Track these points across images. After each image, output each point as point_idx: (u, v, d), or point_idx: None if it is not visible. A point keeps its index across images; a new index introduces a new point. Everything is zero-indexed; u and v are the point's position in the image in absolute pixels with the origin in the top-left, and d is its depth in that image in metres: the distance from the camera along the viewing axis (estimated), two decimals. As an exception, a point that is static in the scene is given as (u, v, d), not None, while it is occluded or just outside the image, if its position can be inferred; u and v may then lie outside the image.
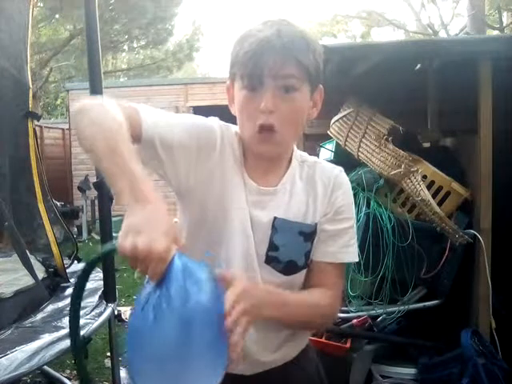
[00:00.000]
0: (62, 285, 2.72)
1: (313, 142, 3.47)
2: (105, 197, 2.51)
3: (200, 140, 1.04)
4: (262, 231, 1.05)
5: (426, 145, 2.81)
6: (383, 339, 2.31)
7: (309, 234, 1.08)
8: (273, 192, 1.07)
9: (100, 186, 2.49)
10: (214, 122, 1.11)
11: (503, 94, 2.27)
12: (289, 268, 1.07)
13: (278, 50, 0.94)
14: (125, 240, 0.75)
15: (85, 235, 8.01)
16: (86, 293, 2.62)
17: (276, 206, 1.06)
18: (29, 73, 2.77)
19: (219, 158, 1.05)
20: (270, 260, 1.06)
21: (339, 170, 1.14)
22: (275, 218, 1.05)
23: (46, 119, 14.28)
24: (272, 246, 1.05)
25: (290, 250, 1.06)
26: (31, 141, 2.74)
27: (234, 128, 1.11)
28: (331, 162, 2.97)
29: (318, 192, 1.09)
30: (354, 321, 2.26)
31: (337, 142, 2.69)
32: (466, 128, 2.46)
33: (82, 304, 2.54)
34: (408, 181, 2.18)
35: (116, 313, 2.62)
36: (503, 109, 2.27)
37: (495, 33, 10.27)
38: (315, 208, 1.08)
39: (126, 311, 4.16)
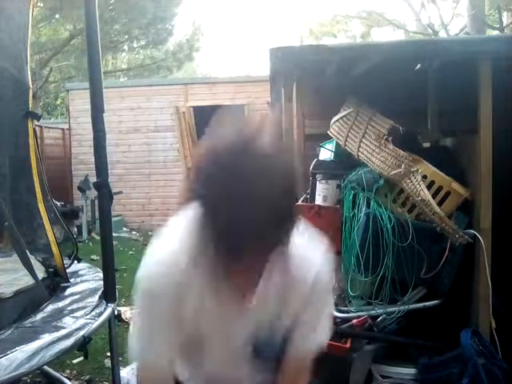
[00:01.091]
0: (62, 285, 2.72)
1: (313, 142, 3.47)
2: (105, 197, 2.51)
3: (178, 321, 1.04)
4: (242, 343, 1.09)
5: (426, 145, 2.81)
6: (383, 339, 2.31)
7: (284, 340, 1.11)
8: (249, 308, 1.03)
9: (100, 185, 2.48)
10: (162, 292, 1.03)
11: (503, 94, 2.27)
12: (269, 368, 1.14)
13: (258, 233, 0.82)
14: None
15: (85, 235, 8.01)
16: (86, 293, 2.63)
17: (252, 320, 1.07)
18: (29, 73, 2.77)
19: (185, 307, 1.02)
20: (253, 364, 1.12)
21: (318, 267, 1.05)
22: (252, 332, 1.08)
23: (46, 119, 14.27)
24: (253, 353, 1.10)
25: (270, 354, 1.11)
26: (31, 141, 2.74)
27: (183, 263, 1.00)
28: (331, 161, 2.98)
29: (291, 299, 1.06)
30: (354, 321, 2.26)
31: (337, 142, 2.69)
32: (465, 128, 2.46)
33: (82, 304, 2.55)
34: (408, 181, 2.18)
35: (116, 313, 2.62)
36: (503, 109, 2.27)
37: (495, 33, 10.26)
38: (287, 313, 1.08)
39: (125, 311, 4.16)
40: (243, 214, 0.80)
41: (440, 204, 2.18)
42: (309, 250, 1.05)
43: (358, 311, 2.26)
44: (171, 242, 1.04)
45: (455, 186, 2.22)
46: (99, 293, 2.56)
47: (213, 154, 0.84)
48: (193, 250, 0.95)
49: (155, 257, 1.05)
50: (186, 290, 1.00)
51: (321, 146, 3.11)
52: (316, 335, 1.12)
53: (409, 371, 2.23)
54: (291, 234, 0.87)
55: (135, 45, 14.99)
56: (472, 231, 2.20)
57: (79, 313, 2.33)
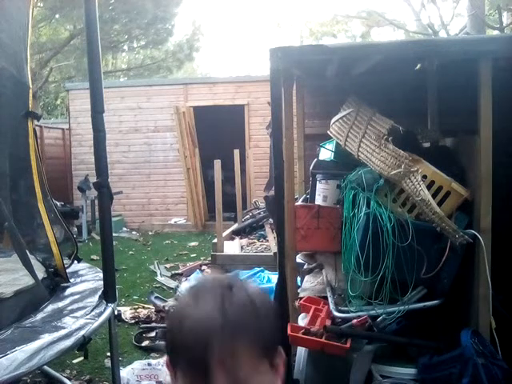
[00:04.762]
0: (62, 285, 2.72)
1: (313, 142, 3.48)
2: (105, 197, 2.52)
3: None
4: None
5: (426, 145, 2.81)
6: (383, 339, 2.31)
7: None
8: None
9: (100, 185, 2.49)
10: None
11: (503, 94, 2.27)
12: None
13: (225, 333, 0.78)
14: None
15: (85, 235, 8.01)
16: (86, 293, 2.63)
17: None
18: (29, 73, 2.77)
19: None
20: None
21: None
22: None
23: (46, 119, 14.28)
24: None
25: None
26: (31, 141, 2.74)
27: None
28: (331, 161, 2.98)
29: None
30: (354, 321, 2.26)
31: (337, 142, 2.69)
32: (465, 128, 2.46)
33: (82, 304, 2.55)
34: (408, 181, 2.18)
35: (116, 313, 2.62)
36: (503, 109, 2.27)
37: (495, 33, 10.25)
38: None
39: (125, 311, 4.16)
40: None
41: (440, 204, 2.18)
42: None
43: (357, 311, 2.26)
44: None
45: (455, 186, 2.22)
46: (99, 293, 2.56)
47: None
48: None
49: None
50: None
51: (321, 146, 3.11)
52: None
53: (409, 371, 2.23)
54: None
55: (135, 45, 14.98)
56: (472, 231, 2.20)
57: (79, 313, 2.33)
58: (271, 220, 5.72)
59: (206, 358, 0.78)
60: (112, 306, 2.46)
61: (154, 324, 3.90)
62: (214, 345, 0.78)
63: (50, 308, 2.40)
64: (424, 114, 3.14)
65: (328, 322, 2.30)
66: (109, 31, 12.10)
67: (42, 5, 10.88)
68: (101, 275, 2.67)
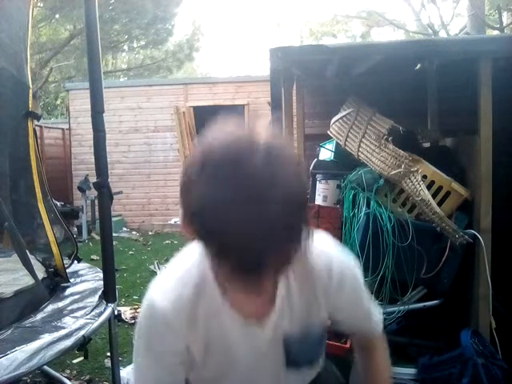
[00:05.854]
0: (62, 285, 2.72)
1: (313, 142, 3.48)
2: (105, 197, 2.51)
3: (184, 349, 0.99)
4: (274, 351, 1.02)
5: (426, 145, 2.81)
6: (383, 339, 2.31)
7: (320, 334, 1.08)
8: (270, 317, 0.98)
9: (100, 185, 2.49)
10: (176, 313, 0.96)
11: (503, 94, 2.27)
12: (310, 364, 1.09)
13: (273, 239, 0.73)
14: None
15: (85, 235, 8.01)
16: (86, 293, 2.63)
17: (279, 324, 1.00)
18: (29, 73, 2.77)
19: (197, 328, 0.98)
20: (291, 370, 1.06)
21: (336, 256, 1.03)
22: (283, 335, 1.01)
23: (46, 119, 14.28)
24: (290, 362, 1.05)
25: (307, 354, 1.07)
26: (31, 141, 2.74)
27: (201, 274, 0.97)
28: (331, 161, 2.98)
29: (318, 294, 1.02)
30: (354, 321, 2.26)
31: (337, 142, 2.69)
32: (466, 128, 2.46)
33: (82, 304, 2.54)
34: (408, 181, 2.18)
35: (116, 313, 2.62)
36: (503, 109, 2.28)
37: (495, 33, 10.26)
38: (319, 308, 1.03)
39: (125, 311, 4.16)
40: (253, 217, 0.70)
41: (440, 204, 2.18)
42: (322, 244, 1.02)
43: (358, 311, 2.26)
44: (183, 261, 1.01)
45: (455, 186, 2.22)
46: (99, 293, 2.55)
47: (213, 150, 0.75)
48: (203, 268, 0.95)
49: (167, 275, 1.02)
50: (200, 304, 0.96)
51: (321, 146, 3.11)
52: (365, 312, 1.12)
53: (409, 371, 2.23)
54: (306, 234, 0.78)
55: (135, 45, 14.98)
56: (472, 231, 2.20)
57: (79, 313, 2.33)
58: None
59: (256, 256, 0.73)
60: (112, 306, 2.45)
61: (153, 324, 3.89)
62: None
63: (50, 308, 2.40)
64: (424, 114, 3.14)
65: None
66: (109, 31, 12.10)
67: (42, 5, 10.88)
68: (101, 275, 2.66)
